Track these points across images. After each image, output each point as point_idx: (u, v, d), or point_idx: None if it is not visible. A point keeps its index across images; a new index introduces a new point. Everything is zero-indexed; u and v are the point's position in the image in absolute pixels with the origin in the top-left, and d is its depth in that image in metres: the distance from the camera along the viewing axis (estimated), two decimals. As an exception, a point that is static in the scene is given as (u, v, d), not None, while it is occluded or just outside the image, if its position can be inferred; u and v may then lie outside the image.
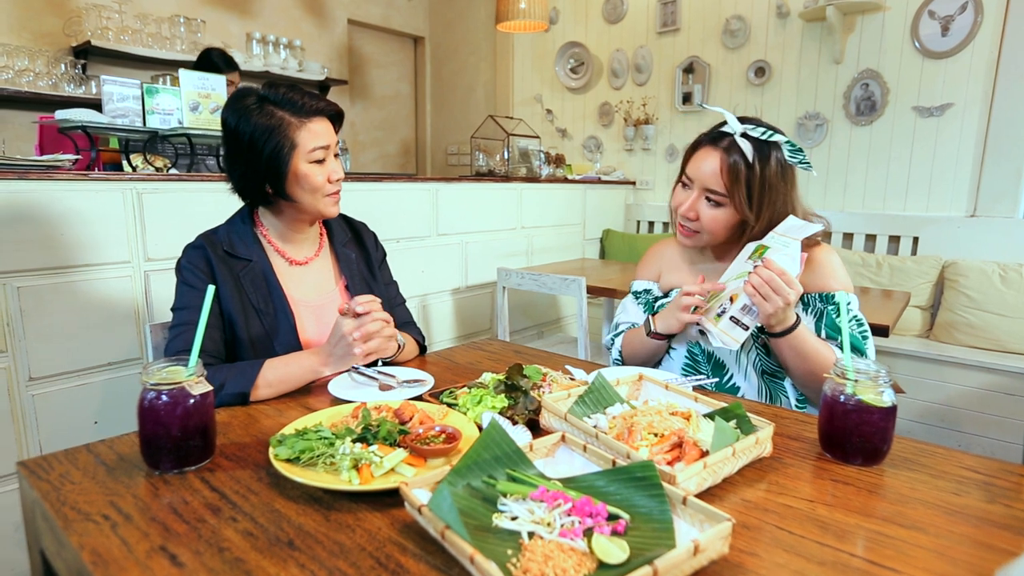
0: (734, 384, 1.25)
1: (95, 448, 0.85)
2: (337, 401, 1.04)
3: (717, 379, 1.24)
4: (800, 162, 1.16)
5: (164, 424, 0.76)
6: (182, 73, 1.99)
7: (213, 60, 2.87)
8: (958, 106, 2.85)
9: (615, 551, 0.60)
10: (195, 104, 2.03)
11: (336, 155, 1.18)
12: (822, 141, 3.24)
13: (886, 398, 0.82)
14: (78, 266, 1.66)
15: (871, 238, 3.14)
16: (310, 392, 1.10)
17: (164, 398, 0.77)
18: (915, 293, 2.76)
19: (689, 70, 3.69)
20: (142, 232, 1.77)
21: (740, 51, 3.48)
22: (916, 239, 2.99)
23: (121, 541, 0.63)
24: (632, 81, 3.96)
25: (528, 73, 4.52)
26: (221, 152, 2.22)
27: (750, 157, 1.14)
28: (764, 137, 1.15)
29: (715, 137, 1.19)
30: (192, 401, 0.78)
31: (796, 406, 1.23)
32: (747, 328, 1.10)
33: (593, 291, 2.41)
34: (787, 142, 1.16)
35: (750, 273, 1.08)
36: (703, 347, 1.27)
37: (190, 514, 0.68)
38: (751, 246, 1.17)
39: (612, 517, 0.65)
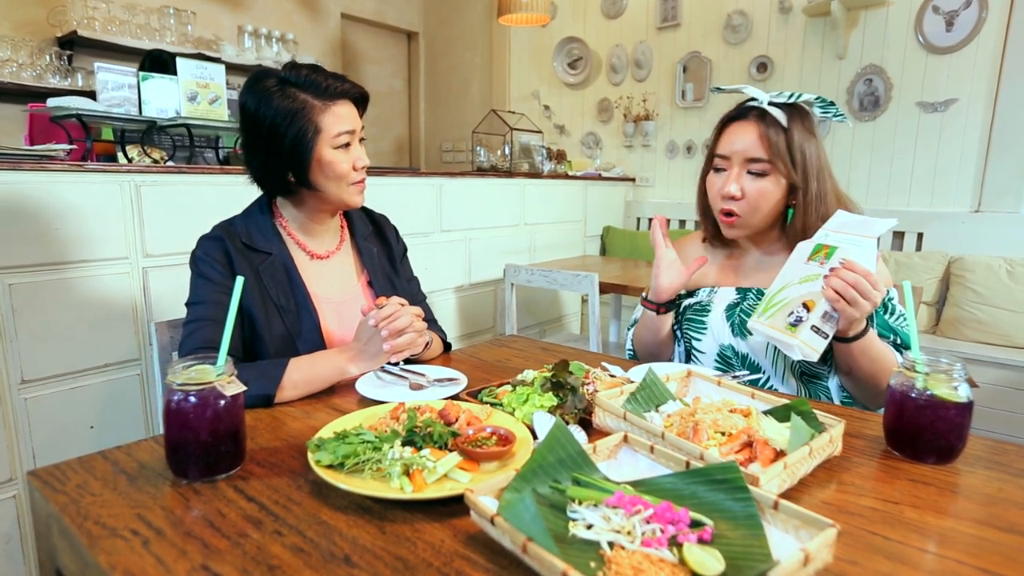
0: (770, 387, 1.20)
1: (112, 455, 0.78)
2: (366, 401, 0.97)
3: (758, 376, 1.19)
4: (834, 115, 1.14)
5: (193, 428, 0.70)
6: (179, 61, 1.91)
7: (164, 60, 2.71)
8: (962, 102, 2.85)
9: (711, 562, 0.54)
10: (193, 94, 1.94)
11: (361, 140, 1.11)
12: (825, 137, 3.22)
13: (961, 393, 0.78)
14: (73, 262, 1.57)
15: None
16: (335, 392, 1.03)
17: (192, 399, 0.70)
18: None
19: (683, 68, 3.66)
20: (140, 227, 1.68)
21: (742, 46, 3.46)
22: (921, 235, 2.98)
23: (156, 560, 0.56)
24: (632, 77, 3.92)
25: (525, 69, 4.47)
26: (223, 141, 2.14)
27: (784, 122, 1.11)
28: (792, 100, 1.13)
29: (742, 112, 1.16)
30: (223, 403, 0.71)
31: (842, 402, 1.18)
32: (827, 336, 0.99)
33: (601, 288, 2.36)
34: (817, 98, 1.14)
35: (827, 277, 0.98)
36: (736, 349, 1.21)
37: (229, 528, 0.62)
38: (806, 247, 1.07)
39: (695, 524, 0.60)
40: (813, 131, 1.14)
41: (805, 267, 1.04)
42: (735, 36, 3.46)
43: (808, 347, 0.97)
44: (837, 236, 1.04)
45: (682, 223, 3.77)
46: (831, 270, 0.98)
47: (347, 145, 1.07)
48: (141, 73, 1.82)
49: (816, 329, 0.98)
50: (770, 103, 1.13)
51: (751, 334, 1.18)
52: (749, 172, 1.14)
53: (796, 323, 0.99)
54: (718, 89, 1.26)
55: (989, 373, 2.45)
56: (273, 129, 1.03)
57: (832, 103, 1.13)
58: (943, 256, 2.80)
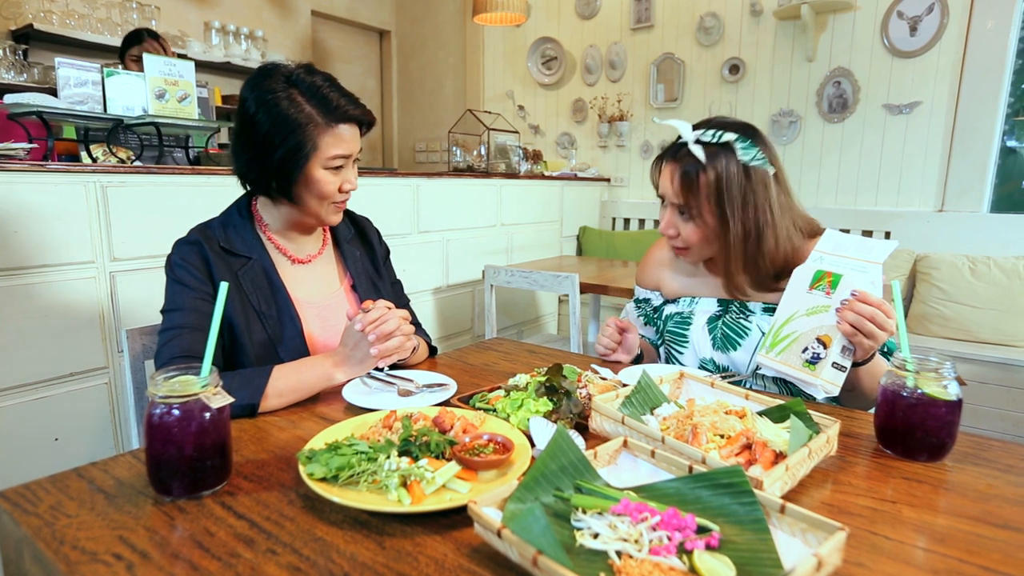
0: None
1: (87, 473, 0.73)
2: (353, 409, 0.94)
3: (750, 375, 1.18)
4: (753, 159, 1.08)
5: (176, 442, 0.66)
6: (147, 57, 1.84)
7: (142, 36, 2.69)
8: (926, 104, 2.93)
9: (722, 569, 0.54)
10: (161, 91, 1.88)
11: (356, 160, 1.07)
12: (796, 138, 3.29)
13: (951, 391, 0.79)
14: (35, 267, 1.50)
15: (844, 232, 3.19)
16: (321, 400, 1.00)
17: (176, 412, 0.66)
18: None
19: (657, 70, 3.69)
20: (107, 229, 1.61)
21: (714, 48, 3.50)
22: (888, 233, 3.06)
23: (143, 585, 0.53)
24: (606, 78, 3.94)
25: (499, 69, 4.45)
26: (194, 140, 2.07)
27: (704, 162, 1.08)
28: (715, 140, 1.08)
29: (673, 150, 1.14)
30: (208, 415, 0.68)
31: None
32: (845, 370, 0.95)
33: (580, 288, 2.36)
34: (737, 138, 1.08)
35: (841, 310, 0.94)
36: (716, 362, 1.20)
37: (219, 548, 0.59)
38: (804, 273, 1.03)
39: (701, 530, 0.59)
40: (748, 170, 1.08)
41: (810, 297, 1.00)
42: (708, 38, 3.50)
43: (831, 384, 0.94)
44: (836, 260, 1.00)
45: (656, 223, 3.79)
46: (843, 302, 0.94)
47: (340, 167, 1.04)
48: (106, 69, 1.75)
49: (836, 365, 0.94)
50: (696, 141, 1.10)
51: (733, 348, 1.17)
52: (678, 213, 1.14)
53: (814, 360, 0.95)
54: (656, 121, 1.32)
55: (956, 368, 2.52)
56: (268, 137, 0.98)
57: (753, 145, 1.09)
58: (909, 254, 2.88)
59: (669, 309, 1.29)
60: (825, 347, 0.95)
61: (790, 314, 1.02)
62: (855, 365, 0.98)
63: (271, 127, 0.98)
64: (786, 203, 1.13)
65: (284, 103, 0.98)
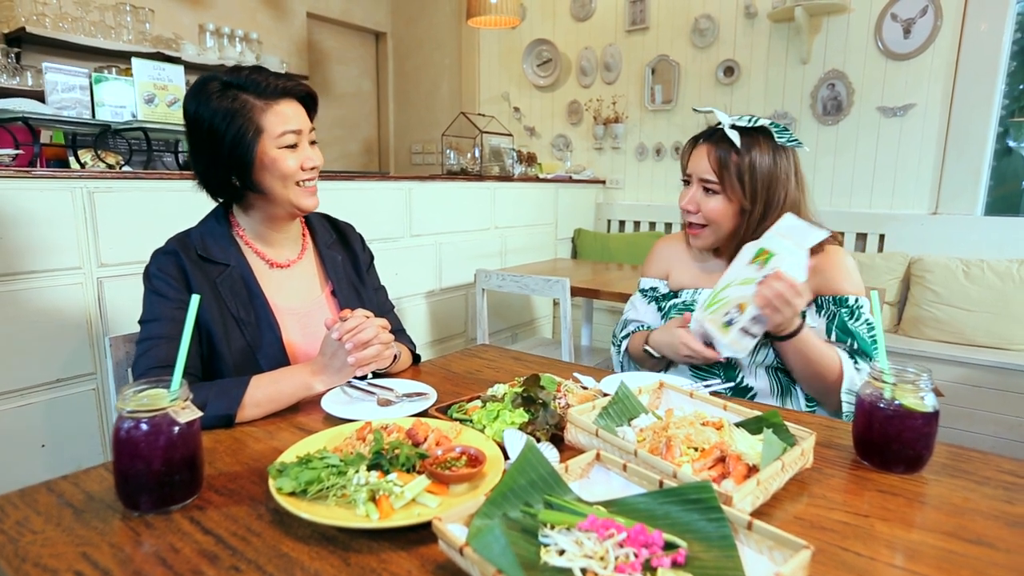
0: (746, 384, 1.22)
1: (57, 486, 0.73)
2: (332, 419, 0.94)
3: (732, 383, 1.19)
4: (788, 140, 1.20)
5: (144, 457, 0.66)
6: (135, 62, 1.84)
7: None
8: (920, 106, 2.93)
9: (686, 588, 0.53)
10: (150, 96, 1.87)
11: (312, 142, 1.08)
12: (790, 140, 3.28)
13: (928, 402, 0.79)
14: (22, 273, 1.50)
15: (839, 235, 3.20)
16: (299, 410, 0.99)
17: (144, 427, 0.66)
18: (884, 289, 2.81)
19: (652, 71, 3.68)
20: (94, 235, 1.61)
21: (709, 50, 3.49)
22: (882, 236, 3.06)
23: (102, 604, 0.53)
24: (601, 79, 3.93)
25: (495, 70, 4.44)
26: (183, 145, 2.07)
27: (738, 144, 1.18)
28: (751, 124, 1.20)
29: (709, 133, 1.25)
30: (177, 430, 0.67)
31: (806, 406, 1.20)
32: (755, 336, 1.10)
33: (572, 291, 2.35)
34: (772, 123, 1.20)
35: (760, 284, 1.06)
36: (715, 348, 1.22)
37: (182, 565, 0.58)
38: (751, 248, 1.14)
39: (669, 546, 0.59)
40: (776, 156, 1.19)
41: (745, 269, 1.12)
42: (702, 40, 3.49)
43: (737, 346, 1.09)
44: (778, 241, 1.10)
45: (652, 225, 3.80)
46: (765, 277, 1.06)
47: (294, 146, 1.04)
48: (94, 74, 1.75)
49: (744, 331, 1.08)
50: (731, 126, 1.20)
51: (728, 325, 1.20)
52: (705, 189, 1.23)
53: (728, 323, 1.09)
54: (695, 110, 1.41)
55: (948, 371, 2.52)
56: (212, 130, 1.00)
57: (786, 129, 1.21)
58: (904, 257, 2.88)
59: (672, 301, 1.35)
60: (740, 313, 1.09)
61: (728, 281, 1.14)
62: (779, 338, 1.13)
63: (212, 119, 1.00)
64: (797, 197, 1.22)
65: (218, 97, 1.00)
